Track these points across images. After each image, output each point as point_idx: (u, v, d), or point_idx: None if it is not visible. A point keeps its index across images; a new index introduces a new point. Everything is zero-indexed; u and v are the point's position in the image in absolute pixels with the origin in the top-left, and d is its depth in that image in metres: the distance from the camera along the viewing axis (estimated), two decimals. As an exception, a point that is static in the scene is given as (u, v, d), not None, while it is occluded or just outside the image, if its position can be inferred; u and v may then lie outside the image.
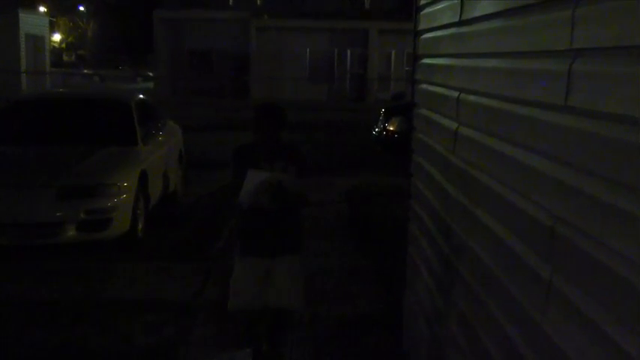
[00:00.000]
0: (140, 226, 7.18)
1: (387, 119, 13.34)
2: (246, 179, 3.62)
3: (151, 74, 41.09)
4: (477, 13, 3.01)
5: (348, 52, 32.75)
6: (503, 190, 2.56)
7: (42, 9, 39.58)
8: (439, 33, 3.91)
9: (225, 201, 3.81)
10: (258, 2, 32.83)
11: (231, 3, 32.99)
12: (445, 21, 3.68)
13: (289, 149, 3.91)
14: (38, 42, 30.49)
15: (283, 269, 3.89)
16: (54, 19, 47.34)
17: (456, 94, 3.36)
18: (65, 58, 60.58)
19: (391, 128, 13.07)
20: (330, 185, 10.42)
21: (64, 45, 60.70)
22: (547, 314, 2.07)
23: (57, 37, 57.22)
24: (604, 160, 1.74)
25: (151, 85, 36.22)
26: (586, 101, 1.86)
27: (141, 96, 9.12)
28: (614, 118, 1.70)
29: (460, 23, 3.35)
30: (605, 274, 1.71)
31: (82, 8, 60.92)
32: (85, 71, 50.52)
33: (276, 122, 3.78)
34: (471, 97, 3.10)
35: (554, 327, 2.02)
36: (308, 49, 32.45)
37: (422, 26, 4.44)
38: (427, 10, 4.22)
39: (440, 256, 3.62)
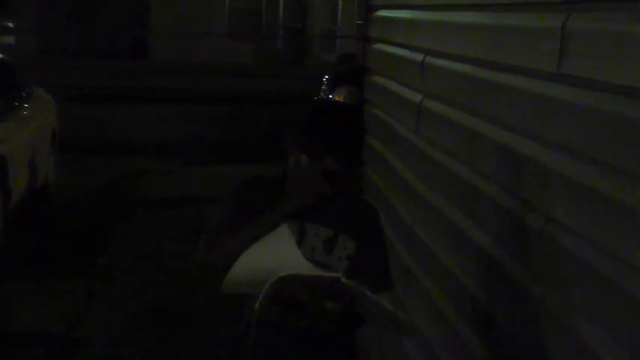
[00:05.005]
0: (-3, 231, 7.07)
1: (332, 89, 13.40)
2: (257, 248, 2.42)
3: (11, 25, 40.21)
4: (449, -48, 3.07)
5: (282, -1, 32.71)
6: (481, 182, 2.61)
7: None
8: (400, -24, 3.96)
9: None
10: None
11: None
12: (408, -40, 3.74)
13: (353, 207, 2.65)
14: None
15: None
16: None
17: (420, 56, 3.41)
18: None
19: (337, 100, 13.13)
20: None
21: None
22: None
23: None
24: (605, 144, 1.80)
25: (12, 39, 35.43)
26: (583, 68, 1.91)
27: (-2, 55, 8.95)
28: (616, 89, 1.76)
29: (427, -36, 3.41)
30: (613, 292, 1.76)
31: None
32: None
33: (345, 145, 2.51)
34: (440, 62, 3.16)
35: None
36: (228, -5, 32.26)
37: (378, -33, 4.49)
38: (385, -55, 4.27)
39: (401, 272, 3.66)
